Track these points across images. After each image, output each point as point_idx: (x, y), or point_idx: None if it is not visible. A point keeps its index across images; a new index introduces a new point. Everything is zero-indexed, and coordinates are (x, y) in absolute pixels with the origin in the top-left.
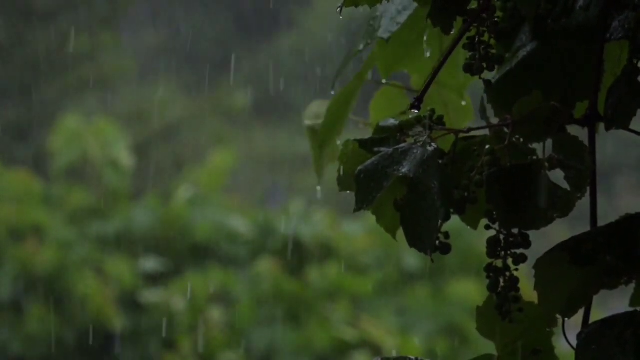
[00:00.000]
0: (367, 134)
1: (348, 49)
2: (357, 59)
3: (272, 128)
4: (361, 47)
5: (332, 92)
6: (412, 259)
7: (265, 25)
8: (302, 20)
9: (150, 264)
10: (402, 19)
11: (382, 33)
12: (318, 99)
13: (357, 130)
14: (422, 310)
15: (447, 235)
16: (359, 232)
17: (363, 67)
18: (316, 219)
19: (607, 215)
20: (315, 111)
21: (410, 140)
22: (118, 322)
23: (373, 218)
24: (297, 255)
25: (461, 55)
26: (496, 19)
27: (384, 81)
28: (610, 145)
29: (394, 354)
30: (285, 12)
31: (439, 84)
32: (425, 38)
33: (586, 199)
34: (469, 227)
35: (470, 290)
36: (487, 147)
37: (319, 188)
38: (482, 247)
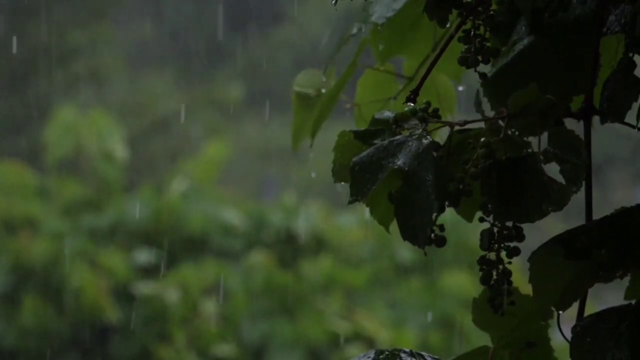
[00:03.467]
0: (352, 114)
1: (341, 35)
2: (351, 44)
3: (266, 120)
4: (354, 31)
5: (324, 79)
6: (405, 251)
7: (259, 17)
8: (296, 13)
9: (144, 256)
10: (398, 5)
11: (377, 18)
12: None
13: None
14: (415, 302)
15: (442, 228)
16: (353, 224)
17: (355, 55)
18: (310, 211)
19: (600, 208)
20: (307, 79)
21: (406, 133)
22: (112, 314)
23: (366, 210)
24: (291, 248)
25: (458, 44)
26: (492, 12)
27: (381, 68)
28: (603, 138)
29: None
30: (278, 4)
31: (432, 74)
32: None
33: (580, 193)
34: (462, 220)
35: (463, 283)
36: (483, 140)
37: (295, 151)
38: (476, 240)
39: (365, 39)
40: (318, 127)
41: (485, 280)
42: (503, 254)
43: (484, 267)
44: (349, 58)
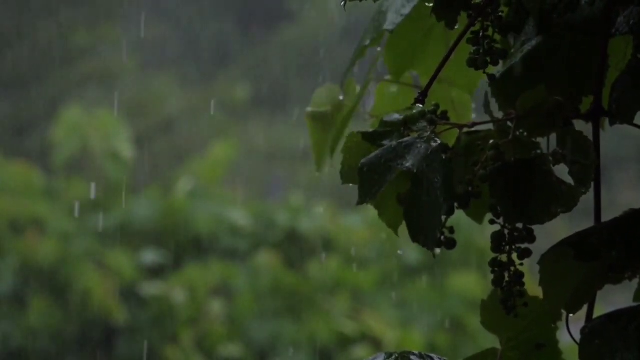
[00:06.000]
0: (369, 125)
1: (353, 44)
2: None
3: (272, 120)
4: (367, 42)
5: (341, 97)
6: (412, 252)
7: (266, 17)
8: (303, 13)
9: (151, 256)
10: (407, 10)
11: (388, 25)
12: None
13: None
14: (422, 303)
15: (452, 230)
16: (359, 225)
17: (369, 70)
18: (316, 211)
19: (607, 209)
20: (324, 96)
21: (414, 135)
22: (119, 314)
23: (373, 211)
24: (297, 248)
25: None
26: (500, 13)
27: (391, 78)
28: (610, 138)
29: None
30: (285, 4)
31: (446, 81)
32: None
33: (588, 194)
34: (469, 220)
35: (470, 284)
36: (491, 141)
37: (318, 174)
38: (483, 241)
39: (379, 53)
40: (337, 144)
41: (497, 282)
42: (514, 255)
43: (496, 269)
44: (366, 68)
